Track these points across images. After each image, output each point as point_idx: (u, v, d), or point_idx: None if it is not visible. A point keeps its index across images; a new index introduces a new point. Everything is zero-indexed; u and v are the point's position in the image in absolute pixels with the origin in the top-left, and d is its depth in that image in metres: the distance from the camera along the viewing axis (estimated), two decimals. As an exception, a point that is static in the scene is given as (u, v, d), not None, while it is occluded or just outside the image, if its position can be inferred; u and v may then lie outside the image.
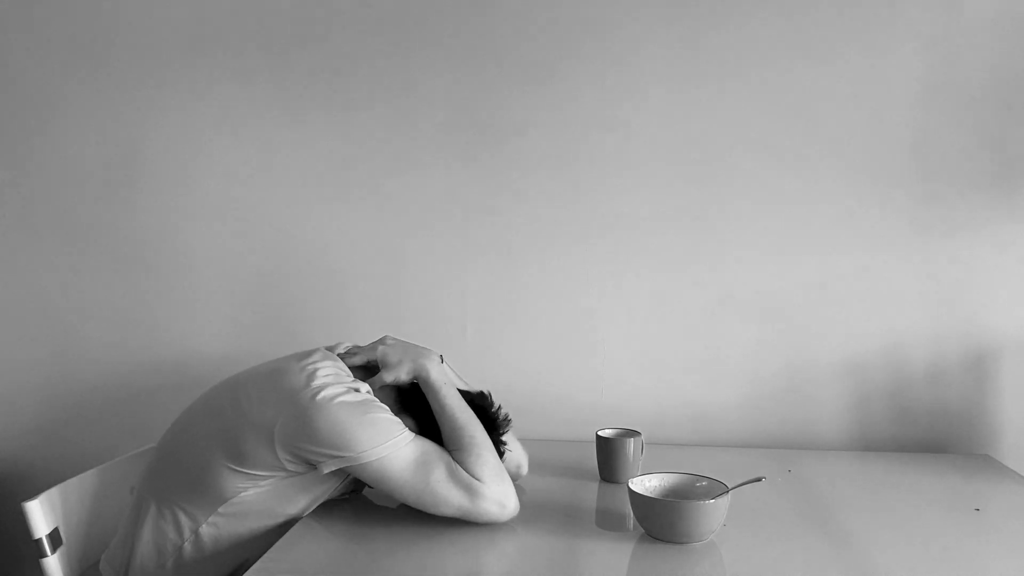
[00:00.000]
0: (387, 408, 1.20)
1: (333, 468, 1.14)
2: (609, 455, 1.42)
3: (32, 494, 1.25)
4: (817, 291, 1.71)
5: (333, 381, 1.18)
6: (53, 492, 1.29)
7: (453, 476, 1.15)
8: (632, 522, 1.19)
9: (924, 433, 1.70)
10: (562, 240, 1.76)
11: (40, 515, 1.24)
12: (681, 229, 1.73)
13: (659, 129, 1.72)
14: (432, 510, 1.16)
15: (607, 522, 1.24)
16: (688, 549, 1.09)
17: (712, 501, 1.09)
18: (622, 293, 1.76)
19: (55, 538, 1.26)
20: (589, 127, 1.74)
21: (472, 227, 1.79)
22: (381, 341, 1.34)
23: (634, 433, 1.45)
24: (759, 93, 1.69)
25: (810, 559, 1.08)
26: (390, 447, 1.14)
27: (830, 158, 1.68)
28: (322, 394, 1.15)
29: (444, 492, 1.14)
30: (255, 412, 1.17)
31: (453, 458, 1.17)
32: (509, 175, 1.77)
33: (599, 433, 1.45)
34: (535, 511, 1.25)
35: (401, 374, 1.27)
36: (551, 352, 1.78)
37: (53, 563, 1.24)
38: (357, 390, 1.19)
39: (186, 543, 1.22)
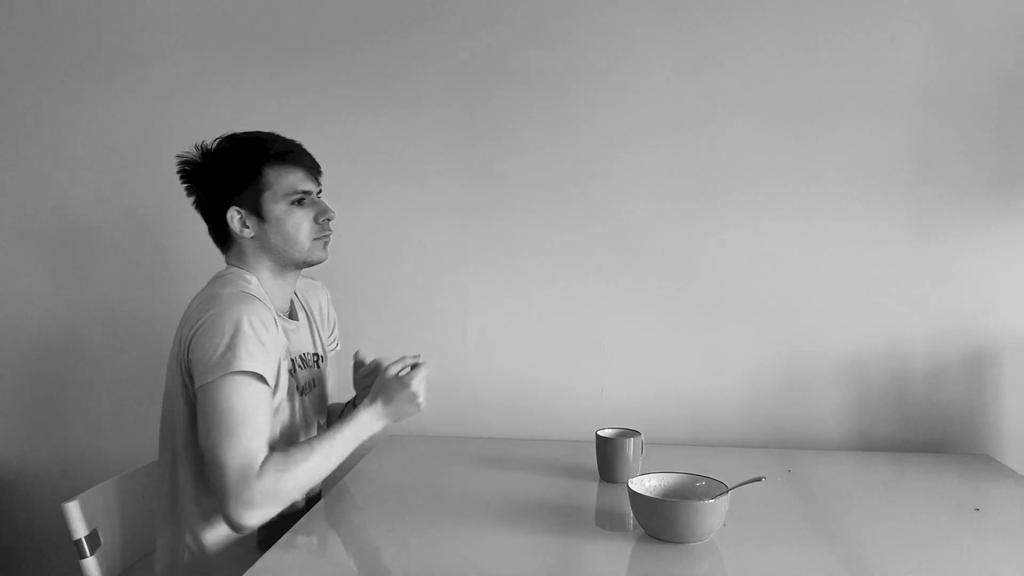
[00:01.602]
0: (266, 350, 1.17)
1: (191, 383, 1.17)
2: (609, 455, 1.42)
3: (70, 495, 1.25)
4: (817, 291, 1.71)
5: (247, 312, 1.18)
6: (92, 493, 1.28)
7: (251, 450, 1.11)
8: (632, 522, 1.19)
9: (924, 433, 1.70)
10: (562, 241, 1.76)
11: (79, 516, 1.23)
12: (681, 230, 1.73)
13: (659, 130, 1.72)
14: (208, 464, 1.13)
15: (607, 522, 1.24)
16: (688, 549, 1.09)
17: (712, 501, 1.09)
18: (622, 293, 1.76)
19: (94, 539, 1.25)
20: (589, 129, 1.74)
21: (472, 228, 1.79)
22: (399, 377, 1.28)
23: (634, 433, 1.45)
24: (759, 95, 1.69)
25: (810, 559, 1.08)
26: (222, 373, 1.13)
27: (830, 159, 1.68)
28: (225, 312, 1.17)
29: (228, 453, 1.10)
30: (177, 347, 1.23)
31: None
32: (509, 176, 1.77)
33: (599, 433, 1.45)
34: (535, 511, 1.25)
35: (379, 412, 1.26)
36: (551, 352, 1.78)
37: (92, 564, 1.24)
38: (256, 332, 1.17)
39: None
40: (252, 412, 1.13)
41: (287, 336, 1.32)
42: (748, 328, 1.73)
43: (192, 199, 1.33)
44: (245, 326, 1.15)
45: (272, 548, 1.11)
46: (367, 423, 1.24)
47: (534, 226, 1.77)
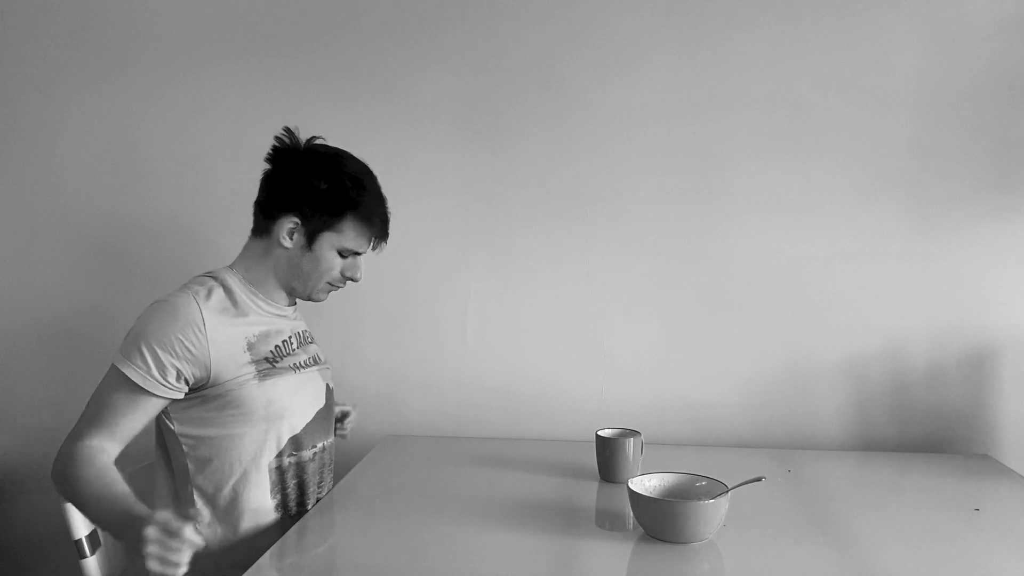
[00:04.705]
0: (175, 366, 1.18)
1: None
2: (609, 455, 1.42)
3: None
4: (817, 291, 1.71)
5: (181, 322, 1.20)
6: None
7: (95, 431, 1.17)
8: (632, 522, 1.19)
9: (924, 433, 1.70)
10: (562, 240, 1.76)
11: (79, 516, 1.23)
12: (681, 230, 1.73)
13: (660, 132, 1.72)
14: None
15: (607, 522, 1.24)
16: (688, 549, 1.09)
17: (712, 501, 1.09)
18: (622, 293, 1.76)
19: (94, 539, 1.25)
20: (591, 129, 1.74)
21: (473, 227, 1.79)
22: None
23: (634, 433, 1.45)
24: (759, 94, 1.69)
25: (810, 559, 1.08)
26: (121, 363, 1.17)
27: (830, 158, 1.68)
28: (169, 305, 1.21)
29: (79, 429, 1.18)
30: None
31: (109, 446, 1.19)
32: (510, 175, 1.77)
33: (599, 433, 1.45)
34: (535, 511, 1.25)
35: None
36: (551, 352, 1.78)
37: (92, 564, 1.24)
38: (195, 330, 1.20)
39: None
40: (117, 411, 1.18)
41: (279, 320, 1.35)
42: (748, 327, 1.73)
43: (267, 168, 1.32)
44: (173, 336, 1.18)
45: (271, 548, 1.11)
46: (127, 521, 1.01)
47: (535, 226, 1.77)
